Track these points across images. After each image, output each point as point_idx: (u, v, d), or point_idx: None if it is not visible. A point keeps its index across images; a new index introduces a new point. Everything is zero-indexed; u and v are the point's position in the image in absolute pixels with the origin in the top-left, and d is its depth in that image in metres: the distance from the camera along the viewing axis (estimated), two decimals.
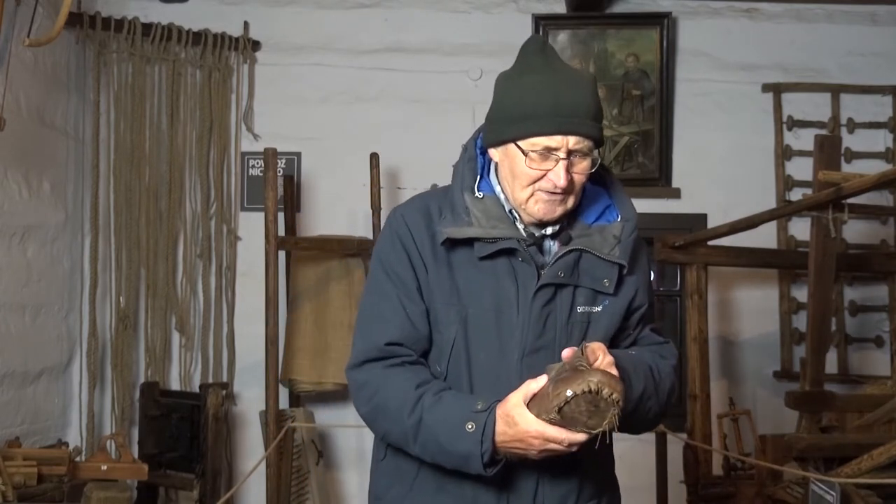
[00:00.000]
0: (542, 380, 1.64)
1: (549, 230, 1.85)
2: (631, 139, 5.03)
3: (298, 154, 5.05)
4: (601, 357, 1.66)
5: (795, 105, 5.08)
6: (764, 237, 4.76)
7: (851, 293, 5.05)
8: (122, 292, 4.80)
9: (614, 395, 1.56)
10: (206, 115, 4.95)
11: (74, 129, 4.72)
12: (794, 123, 5.07)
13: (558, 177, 1.75)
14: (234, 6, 5.05)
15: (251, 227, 4.90)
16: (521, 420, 1.63)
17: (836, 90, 5.08)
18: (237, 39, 5.02)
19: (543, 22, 5.02)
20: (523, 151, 1.77)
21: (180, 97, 4.93)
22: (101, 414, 4.77)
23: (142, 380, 4.83)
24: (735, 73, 5.08)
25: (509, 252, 1.80)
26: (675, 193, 5.04)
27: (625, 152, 5.03)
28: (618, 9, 5.09)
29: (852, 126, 5.06)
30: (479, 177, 1.88)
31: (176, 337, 4.93)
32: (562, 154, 1.75)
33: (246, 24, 5.06)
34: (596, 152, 1.79)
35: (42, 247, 4.41)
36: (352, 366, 1.85)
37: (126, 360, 4.78)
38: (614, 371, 1.66)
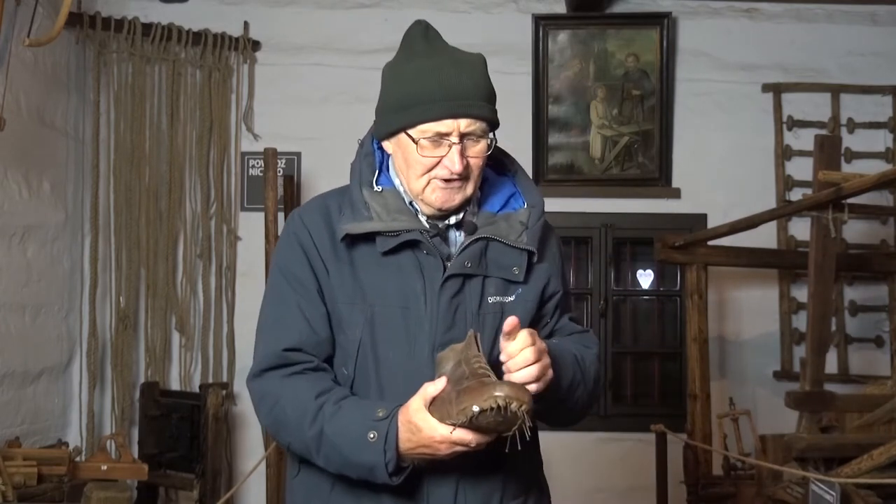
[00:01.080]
0: (440, 382, 1.59)
1: (453, 220, 1.79)
2: (631, 139, 5.03)
3: (298, 154, 5.05)
4: (527, 338, 1.60)
5: (795, 105, 5.08)
6: (764, 237, 4.76)
7: (851, 293, 5.05)
8: (122, 292, 4.80)
9: (523, 408, 1.49)
10: (206, 115, 4.95)
11: (74, 129, 4.72)
12: (794, 123, 5.07)
13: (452, 162, 1.70)
14: (234, 6, 5.05)
15: (251, 227, 4.91)
16: (424, 426, 1.57)
17: (836, 90, 5.08)
18: (237, 39, 5.02)
19: (543, 22, 5.02)
20: (413, 140, 1.71)
21: (180, 97, 4.93)
22: (101, 414, 4.77)
23: (142, 380, 4.83)
24: (735, 73, 5.08)
25: (413, 245, 1.74)
26: (675, 193, 5.04)
27: (625, 152, 5.03)
28: (618, 9, 5.09)
29: (852, 126, 5.06)
30: (377, 172, 1.82)
31: (176, 337, 4.93)
32: (454, 139, 1.70)
33: (246, 24, 5.06)
34: (491, 134, 1.75)
35: (42, 247, 4.41)
36: (251, 376, 1.78)
37: (126, 360, 4.78)
38: (546, 360, 1.61)
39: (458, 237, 1.81)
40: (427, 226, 1.78)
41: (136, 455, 4.25)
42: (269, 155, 4.17)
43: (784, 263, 4.75)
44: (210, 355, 4.93)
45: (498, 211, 1.84)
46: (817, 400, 3.48)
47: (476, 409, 1.50)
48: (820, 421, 3.51)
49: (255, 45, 5.08)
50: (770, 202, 4.91)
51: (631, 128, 5.03)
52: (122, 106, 4.84)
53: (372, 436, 1.61)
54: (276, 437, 1.79)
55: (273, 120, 5.02)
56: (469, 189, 1.76)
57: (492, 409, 1.49)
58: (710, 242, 4.27)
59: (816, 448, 3.32)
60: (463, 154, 1.71)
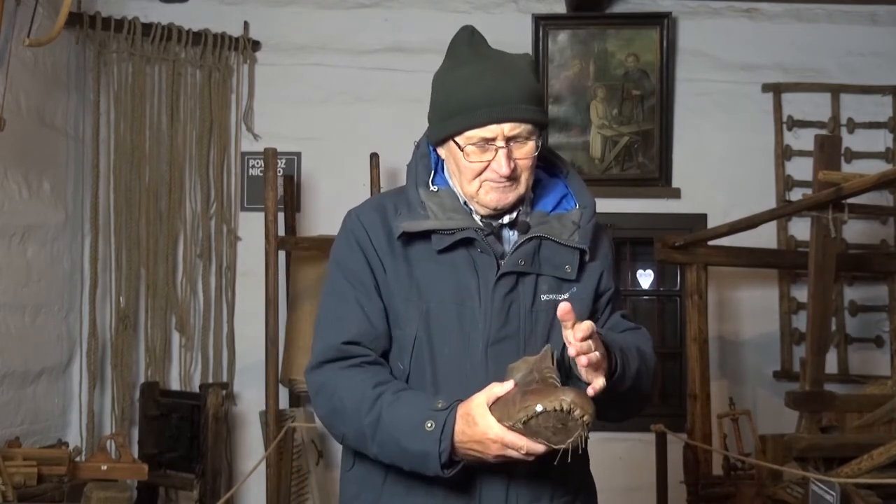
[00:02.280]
0: (507, 385, 1.61)
1: (506, 219, 1.83)
2: (631, 139, 5.03)
3: (298, 154, 5.05)
4: (591, 327, 1.58)
5: (795, 105, 5.08)
6: (764, 237, 4.76)
7: (851, 293, 5.05)
8: (122, 292, 4.80)
9: (585, 418, 1.51)
10: (206, 115, 4.95)
11: (74, 129, 4.72)
12: (794, 123, 5.07)
13: (500, 166, 1.74)
14: (234, 6, 5.05)
15: (251, 227, 4.90)
16: (481, 421, 1.59)
17: (836, 90, 5.07)
18: (237, 39, 5.02)
19: (543, 22, 5.02)
20: (460, 147, 1.76)
21: (180, 97, 4.93)
22: (101, 414, 4.77)
23: (142, 380, 4.83)
24: (735, 73, 5.08)
25: (467, 243, 1.79)
26: (675, 193, 5.04)
27: (625, 152, 5.03)
28: (618, 9, 5.09)
29: (852, 126, 5.06)
30: (433, 172, 1.87)
31: (176, 337, 4.93)
32: (500, 143, 1.74)
33: (246, 24, 5.06)
34: (538, 135, 1.78)
35: (42, 247, 4.41)
36: (310, 368, 1.82)
37: (126, 360, 4.78)
38: (597, 357, 1.60)
39: (511, 236, 1.85)
40: (481, 225, 1.82)
41: (136, 455, 4.25)
42: (269, 155, 4.17)
43: (784, 263, 4.75)
44: (210, 355, 4.93)
45: (551, 211, 1.87)
46: (817, 400, 3.49)
47: (540, 407, 1.51)
48: (820, 421, 3.52)
49: (255, 45, 5.08)
50: (770, 202, 4.91)
51: (631, 128, 5.03)
52: (122, 106, 4.84)
53: (429, 425, 1.63)
54: (332, 428, 1.81)
55: (273, 120, 5.02)
56: (521, 188, 1.80)
57: (556, 409, 1.50)
58: (710, 242, 4.27)
59: (816, 448, 3.33)
60: (510, 157, 1.75)
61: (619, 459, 4.89)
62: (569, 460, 1.53)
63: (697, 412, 4.22)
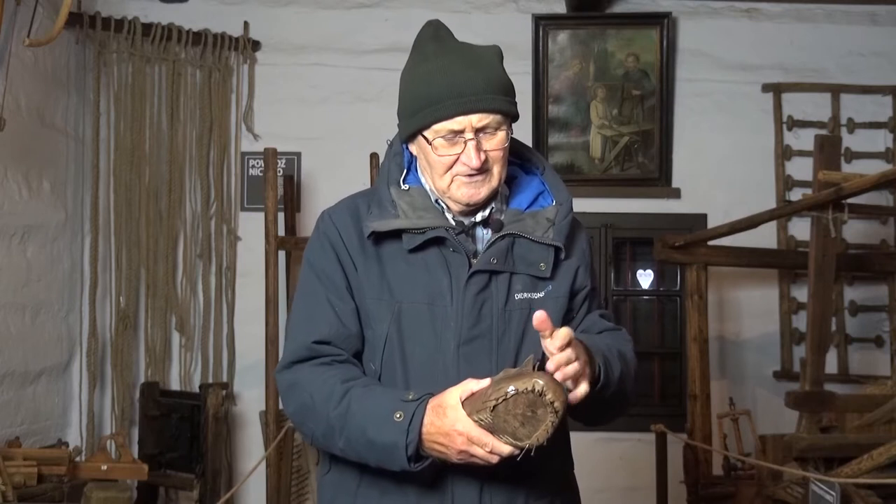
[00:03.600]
0: (483, 382, 1.59)
1: (479, 216, 1.81)
2: (631, 139, 5.03)
3: (298, 154, 5.05)
4: (567, 336, 1.57)
5: (795, 105, 5.08)
6: (764, 237, 4.76)
7: (851, 293, 5.05)
8: (122, 292, 4.80)
9: (556, 404, 1.50)
10: (206, 115, 4.95)
11: (74, 129, 4.72)
12: (794, 123, 5.07)
13: (469, 158, 1.72)
14: (234, 6, 5.05)
15: (251, 227, 4.90)
16: (451, 413, 1.57)
17: (836, 90, 5.07)
18: (237, 39, 5.02)
19: (543, 22, 5.02)
20: (429, 141, 1.74)
21: (180, 97, 4.93)
22: (101, 414, 4.77)
23: (142, 380, 4.83)
24: (735, 73, 5.08)
25: (439, 242, 1.76)
26: (675, 193, 5.04)
27: (625, 152, 5.03)
28: (618, 9, 5.09)
29: (852, 126, 5.06)
30: (406, 171, 1.86)
31: (176, 337, 4.93)
32: (468, 135, 1.72)
33: (246, 24, 5.06)
34: (508, 125, 1.76)
35: (42, 247, 4.41)
36: (280, 368, 1.80)
37: (126, 360, 4.78)
38: (584, 358, 1.59)
39: (485, 234, 1.82)
40: (453, 223, 1.80)
41: (136, 455, 4.25)
42: (269, 155, 4.17)
43: (784, 263, 4.75)
44: (210, 355, 4.93)
45: (526, 209, 1.85)
46: (817, 400, 3.49)
47: (512, 389, 1.51)
48: (820, 421, 3.51)
49: (255, 45, 5.08)
50: (770, 202, 4.90)
51: (631, 128, 5.03)
52: (122, 106, 4.84)
53: (398, 415, 1.61)
54: (302, 426, 1.79)
55: (273, 120, 5.02)
56: (494, 181, 1.77)
57: (528, 390, 1.49)
58: (711, 242, 4.27)
59: (816, 448, 3.33)
60: (479, 148, 1.73)
61: (619, 459, 4.89)
62: (532, 454, 1.52)
63: (697, 412, 4.22)
